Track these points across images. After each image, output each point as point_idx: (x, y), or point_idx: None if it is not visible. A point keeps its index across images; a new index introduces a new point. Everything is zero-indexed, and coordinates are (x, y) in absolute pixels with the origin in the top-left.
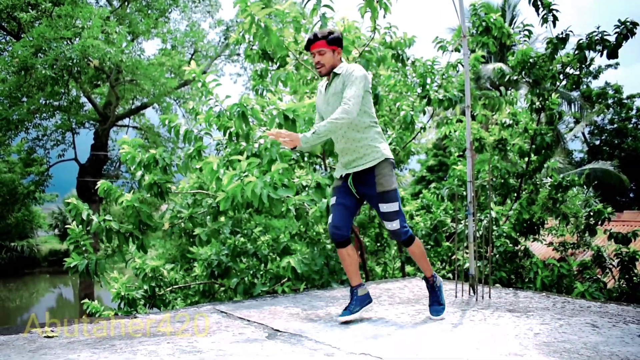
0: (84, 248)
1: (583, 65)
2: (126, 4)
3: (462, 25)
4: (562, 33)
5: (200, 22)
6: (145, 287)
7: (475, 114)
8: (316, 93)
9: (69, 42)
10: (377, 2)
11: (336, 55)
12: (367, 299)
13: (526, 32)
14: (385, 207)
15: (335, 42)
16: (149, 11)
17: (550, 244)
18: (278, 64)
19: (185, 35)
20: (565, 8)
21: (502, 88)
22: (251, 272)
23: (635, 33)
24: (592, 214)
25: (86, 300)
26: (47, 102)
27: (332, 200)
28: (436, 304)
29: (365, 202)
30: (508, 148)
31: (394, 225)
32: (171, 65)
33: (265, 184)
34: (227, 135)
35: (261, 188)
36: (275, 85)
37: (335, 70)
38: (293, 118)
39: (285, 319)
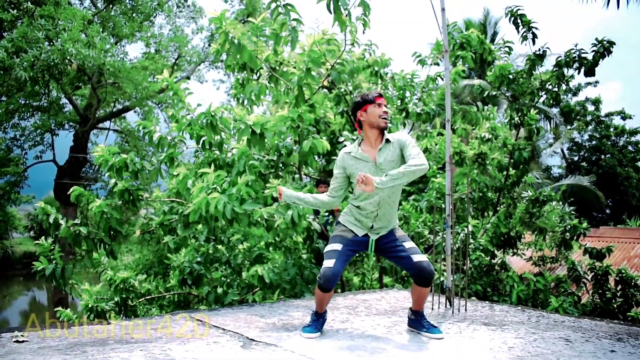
0: (54, 261)
1: (561, 82)
2: (111, 6)
3: (444, 40)
4: (539, 50)
5: (184, 28)
6: (117, 298)
7: (455, 127)
8: (278, 107)
9: (50, 43)
10: (346, 15)
11: None
12: (325, 322)
13: (506, 49)
14: (410, 244)
15: None
16: (134, 14)
17: (530, 258)
18: (258, 75)
19: (170, 40)
20: (551, 26)
21: (479, 103)
22: (226, 280)
23: (612, 52)
24: (567, 228)
25: (59, 308)
26: (27, 102)
27: (337, 247)
28: (427, 326)
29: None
30: (487, 162)
31: (424, 257)
32: (154, 69)
33: (231, 197)
34: (200, 143)
35: (225, 203)
36: (250, 99)
37: (387, 137)
38: (261, 132)
39: (260, 328)
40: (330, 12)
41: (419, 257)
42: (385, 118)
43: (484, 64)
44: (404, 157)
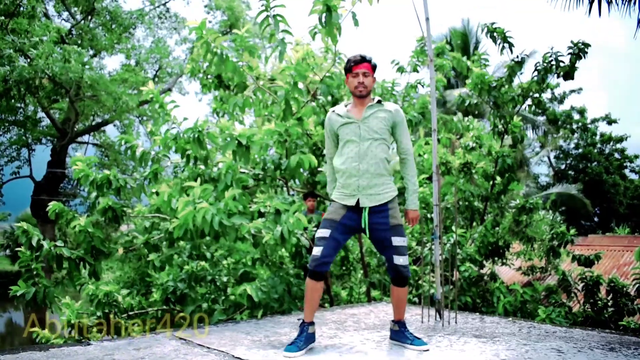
0: (34, 272)
1: (542, 88)
2: (89, 18)
3: (428, 49)
4: (517, 57)
5: (166, 39)
6: (99, 313)
7: (439, 137)
8: (270, 118)
9: (25, 57)
10: (336, 29)
11: (373, 82)
12: (313, 338)
13: (483, 61)
14: (398, 241)
15: (375, 69)
16: (113, 26)
17: (519, 268)
18: (235, 90)
19: (150, 52)
20: (535, 35)
21: (459, 114)
22: (210, 298)
23: (587, 52)
24: (555, 236)
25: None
26: (2, 116)
27: (325, 233)
28: (412, 338)
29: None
30: (473, 171)
31: (404, 260)
32: (134, 81)
33: (219, 210)
34: (185, 157)
35: (212, 215)
36: (232, 112)
37: (376, 99)
38: (247, 144)
39: (246, 345)
40: (323, 26)
41: (400, 260)
42: (360, 89)
43: (468, 72)
44: (394, 132)
